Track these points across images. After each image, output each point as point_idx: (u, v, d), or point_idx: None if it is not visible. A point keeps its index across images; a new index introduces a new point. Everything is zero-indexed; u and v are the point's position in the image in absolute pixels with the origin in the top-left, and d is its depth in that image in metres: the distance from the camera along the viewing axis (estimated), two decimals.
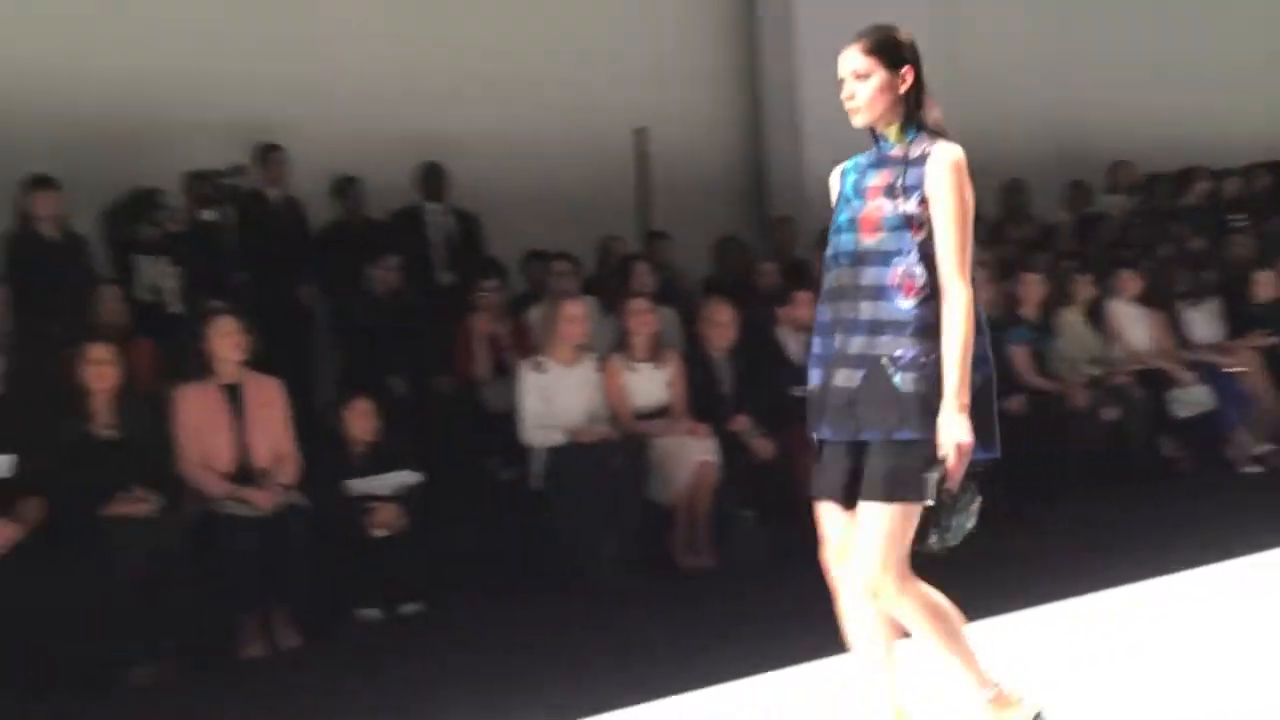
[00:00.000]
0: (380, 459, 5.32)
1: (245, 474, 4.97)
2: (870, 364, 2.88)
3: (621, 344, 6.08)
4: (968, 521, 2.88)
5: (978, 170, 2.99)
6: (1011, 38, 9.74)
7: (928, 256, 2.87)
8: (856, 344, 2.91)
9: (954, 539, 2.87)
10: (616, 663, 4.40)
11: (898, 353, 2.86)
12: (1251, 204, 9.16)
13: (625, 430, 5.82)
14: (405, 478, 5.30)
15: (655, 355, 6.06)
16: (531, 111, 8.03)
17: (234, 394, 5.08)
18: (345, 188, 7.35)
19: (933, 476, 2.78)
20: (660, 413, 6.01)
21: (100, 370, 4.87)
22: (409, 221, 7.43)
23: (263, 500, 4.86)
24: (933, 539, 2.85)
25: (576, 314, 5.84)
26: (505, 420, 5.92)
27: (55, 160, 6.37)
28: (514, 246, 7.53)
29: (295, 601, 4.83)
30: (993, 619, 4.14)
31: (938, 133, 2.95)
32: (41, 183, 6.17)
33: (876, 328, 2.89)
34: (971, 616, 3.06)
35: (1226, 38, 10.70)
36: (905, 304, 2.87)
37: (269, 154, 7.12)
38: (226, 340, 5.07)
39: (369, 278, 6.74)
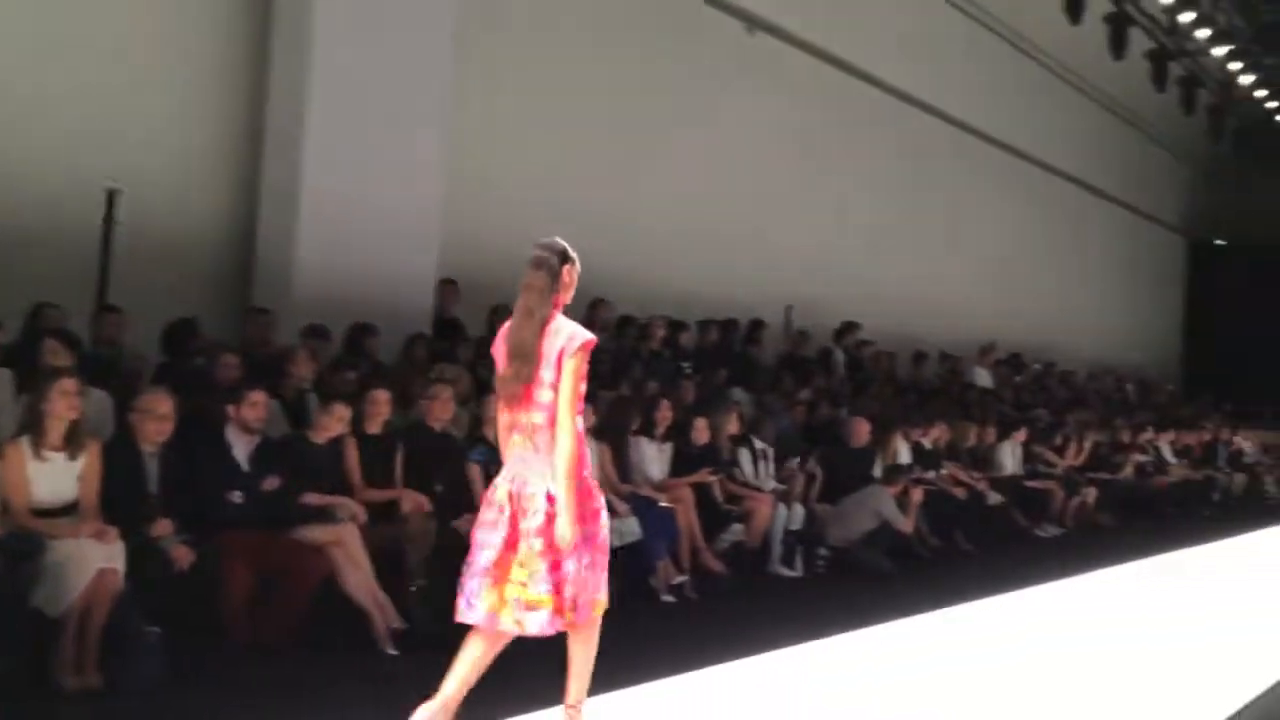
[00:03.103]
0: None
1: None
2: None
3: (32, 427, 5.47)
4: None
5: None
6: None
7: None
8: None
9: None
10: None
11: None
12: (700, 355, 10.11)
13: (16, 527, 5.20)
14: None
15: (71, 444, 5.51)
16: None
17: None
18: None
19: None
20: (67, 510, 5.45)
21: None
22: None
23: None
24: None
25: None
26: None
27: None
28: None
29: None
30: None
31: None
32: None
33: None
34: None
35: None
36: None
37: None
38: None
39: None
